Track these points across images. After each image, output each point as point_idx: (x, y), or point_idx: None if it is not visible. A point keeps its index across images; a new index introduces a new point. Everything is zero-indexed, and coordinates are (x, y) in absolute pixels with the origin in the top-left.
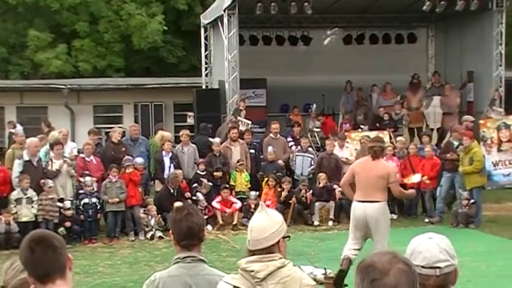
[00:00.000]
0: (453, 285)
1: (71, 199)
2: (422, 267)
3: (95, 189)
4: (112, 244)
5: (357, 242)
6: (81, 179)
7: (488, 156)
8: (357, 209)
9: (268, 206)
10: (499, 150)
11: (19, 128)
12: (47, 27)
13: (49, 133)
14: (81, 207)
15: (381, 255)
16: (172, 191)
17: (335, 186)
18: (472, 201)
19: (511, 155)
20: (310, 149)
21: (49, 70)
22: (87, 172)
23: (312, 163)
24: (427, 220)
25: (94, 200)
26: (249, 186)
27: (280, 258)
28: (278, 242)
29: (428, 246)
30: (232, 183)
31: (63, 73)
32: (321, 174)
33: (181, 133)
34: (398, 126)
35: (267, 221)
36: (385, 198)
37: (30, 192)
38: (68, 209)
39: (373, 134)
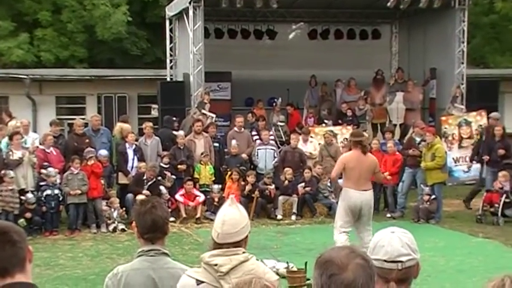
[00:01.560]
0: (415, 278)
1: (32, 189)
2: (385, 261)
3: (58, 180)
4: (73, 236)
5: (349, 226)
6: (43, 171)
7: (450, 153)
8: (354, 196)
9: None
10: (459, 146)
11: None
12: (8, 15)
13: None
14: (43, 198)
15: (339, 250)
16: (145, 179)
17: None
18: (433, 196)
19: (471, 152)
20: (271, 141)
21: (10, 59)
22: (46, 163)
23: (275, 155)
24: (389, 215)
25: (56, 191)
26: (213, 179)
27: (244, 252)
28: (246, 236)
29: (391, 241)
30: (196, 176)
31: (25, 63)
32: (287, 169)
33: (144, 125)
34: (360, 122)
35: (238, 215)
36: (371, 186)
37: None
38: (33, 203)
39: (337, 129)
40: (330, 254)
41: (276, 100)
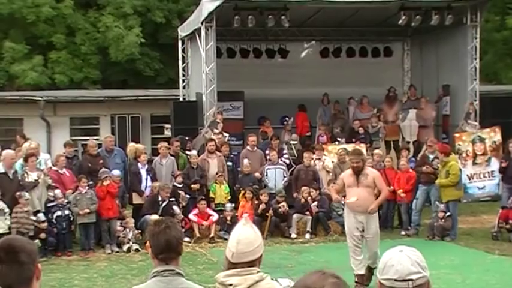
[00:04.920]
0: None
1: (44, 211)
2: (395, 280)
3: (70, 200)
4: (88, 257)
5: None
6: (50, 193)
7: (464, 169)
8: None
9: None
10: (474, 163)
11: None
12: (22, 38)
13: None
14: (53, 220)
15: (310, 275)
16: (160, 200)
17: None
18: (448, 214)
19: (485, 168)
20: (281, 161)
21: (25, 82)
22: (54, 184)
23: (285, 174)
24: (403, 233)
25: (67, 212)
26: (229, 198)
27: (258, 272)
28: (260, 256)
29: (400, 259)
30: (211, 195)
31: (39, 85)
32: (304, 188)
33: (159, 145)
34: (373, 140)
35: (252, 235)
36: None
37: (1, 204)
38: (43, 221)
39: (350, 146)
40: (304, 282)
41: (287, 119)
